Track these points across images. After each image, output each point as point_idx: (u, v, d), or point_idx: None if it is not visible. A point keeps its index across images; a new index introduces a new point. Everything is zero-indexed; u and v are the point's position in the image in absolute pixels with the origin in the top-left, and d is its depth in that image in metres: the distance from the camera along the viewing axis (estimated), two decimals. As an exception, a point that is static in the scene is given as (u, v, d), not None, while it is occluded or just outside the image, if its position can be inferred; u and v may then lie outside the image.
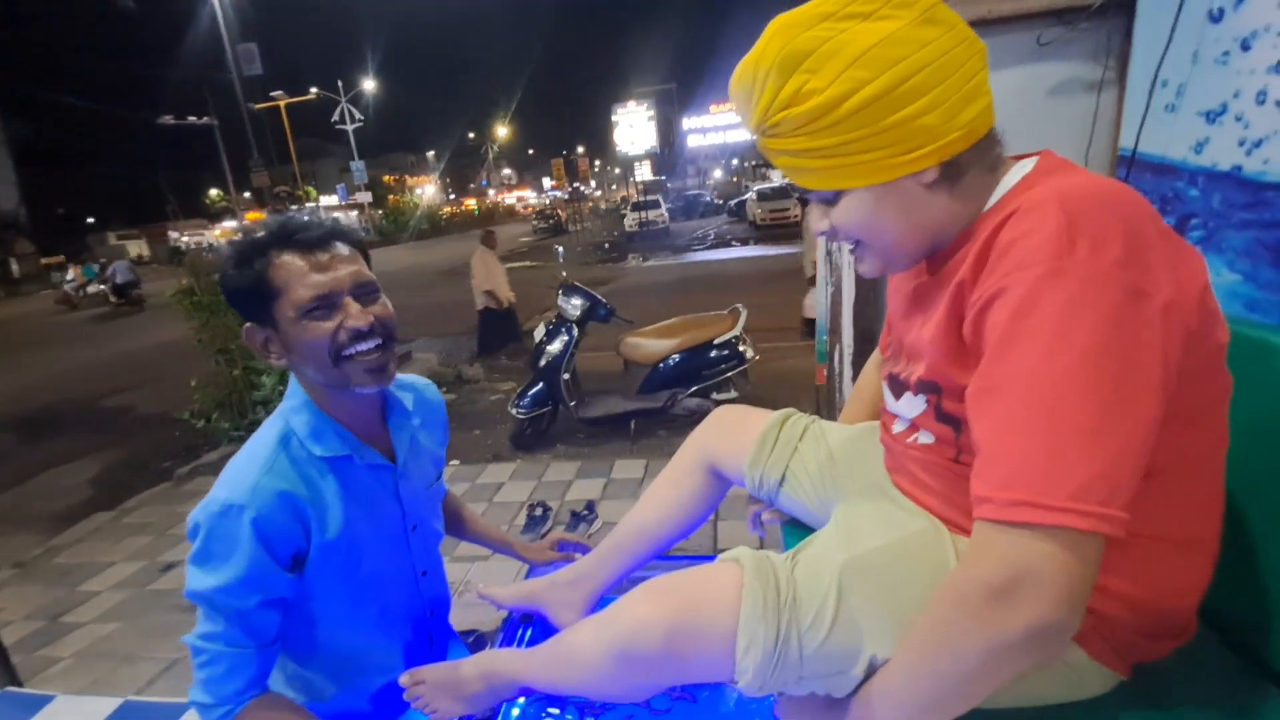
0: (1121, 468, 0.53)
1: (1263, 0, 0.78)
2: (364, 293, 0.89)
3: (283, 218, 0.87)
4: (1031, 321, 0.54)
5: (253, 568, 0.83)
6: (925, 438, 0.75)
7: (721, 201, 28.43)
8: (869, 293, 1.23)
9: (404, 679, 0.91)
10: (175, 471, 3.90)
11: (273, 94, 27.25)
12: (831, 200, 0.70)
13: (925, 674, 0.59)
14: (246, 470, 0.86)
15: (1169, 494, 0.61)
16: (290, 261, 0.84)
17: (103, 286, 16.08)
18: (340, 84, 29.83)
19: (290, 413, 0.92)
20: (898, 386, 0.78)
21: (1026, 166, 0.66)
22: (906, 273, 0.81)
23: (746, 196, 22.28)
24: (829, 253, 1.38)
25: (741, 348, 3.80)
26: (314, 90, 28.79)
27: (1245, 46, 0.80)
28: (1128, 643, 0.67)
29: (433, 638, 1.12)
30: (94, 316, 14.32)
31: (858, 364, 1.27)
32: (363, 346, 0.87)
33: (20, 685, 1.92)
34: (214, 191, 42.04)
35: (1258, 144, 0.89)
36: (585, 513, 2.75)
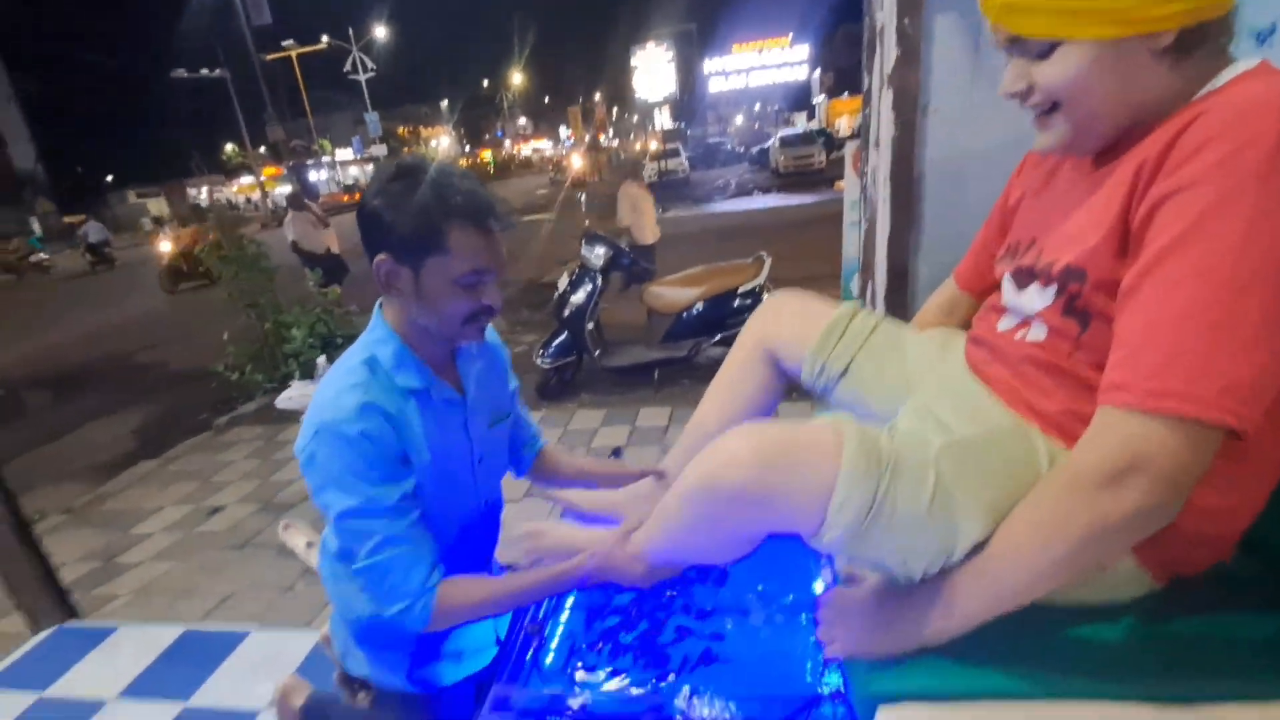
0: (1270, 375, 0.54)
1: None
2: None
3: (471, 191, 0.90)
4: (1222, 224, 0.54)
5: (381, 469, 0.89)
6: (1038, 333, 0.73)
7: (743, 149, 27.68)
8: (904, 228, 1.19)
9: (526, 527, 1.03)
10: (214, 422, 4.02)
11: (284, 43, 26.82)
12: (1044, 54, 0.65)
13: (1023, 556, 0.61)
14: (342, 392, 0.91)
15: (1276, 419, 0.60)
16: (471, 233, 0.88)
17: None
18: (351, 32, 29.23)
19: (375, 343, 0.96)
20: (1026, 277, 0.76)
21: (1244, 67, 0.62)
22: (1051, 159, 0.79)
23: (769, 143, 21.63)
24: (863, 189, 1.33)
25: (766, 296, 3.76)
26: (325, 39, 28.26)
27: None
28: (1178, 554, 0.68)
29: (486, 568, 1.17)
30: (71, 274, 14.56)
31: (891, 301, 1.24)
32: (486, 318, 0.95)
33: (80, 619, 2.04)
34: (230, 147, 41.96)
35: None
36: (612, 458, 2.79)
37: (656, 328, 3.91)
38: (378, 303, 1.00)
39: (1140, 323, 0.57)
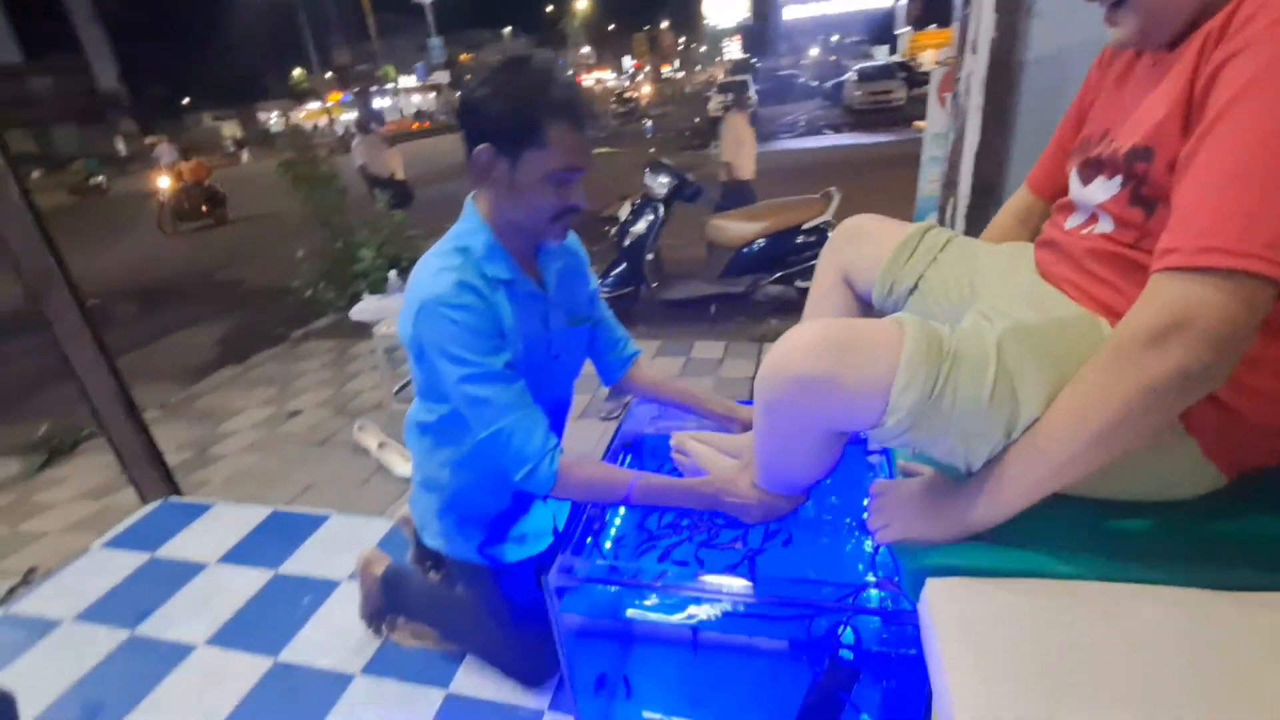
0: None
1: None
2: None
3: (571, 89, 0.93)
4: (1267, 82, 0.54)
5: (486, 339, 0.95)
6: (1104, 225, 0.73)
7: (816, 83, 26.22)
8: (995, 139, 1.14)
9: (677, 437, 1.08)
10: (290, 335, 4.26)
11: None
12: None
13: (1070, 425, 0.61)
14: (441, 271, 0.97)
15: None
16: (567, 131, 0.92)
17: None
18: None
19: (467, 234, 1.02)
20: (1093, 169, 0.76)
21: None
22: (1127, 54, 0.78)
23: (845, 77, 20.40)
24: (954, 98, 1.27)
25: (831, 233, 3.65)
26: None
27: None
28: (1243, 442, 0.68)
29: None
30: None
31: (973, 219, 1.20)
32: (571, 217, 1.00)
33: (181, 495, 2.26)
34: (297, 72, 42.43)
35: None
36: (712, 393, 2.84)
37: (716, 262, 3.87)
38: (470, 196, 1.05)
39: (1194, 187, 0.57)
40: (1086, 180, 0.77)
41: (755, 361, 3.02)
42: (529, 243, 1.06)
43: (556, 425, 1.20)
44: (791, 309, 3.64)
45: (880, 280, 0.96)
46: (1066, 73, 1.10)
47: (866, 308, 1.03)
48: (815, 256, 3.67)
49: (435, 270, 0.97)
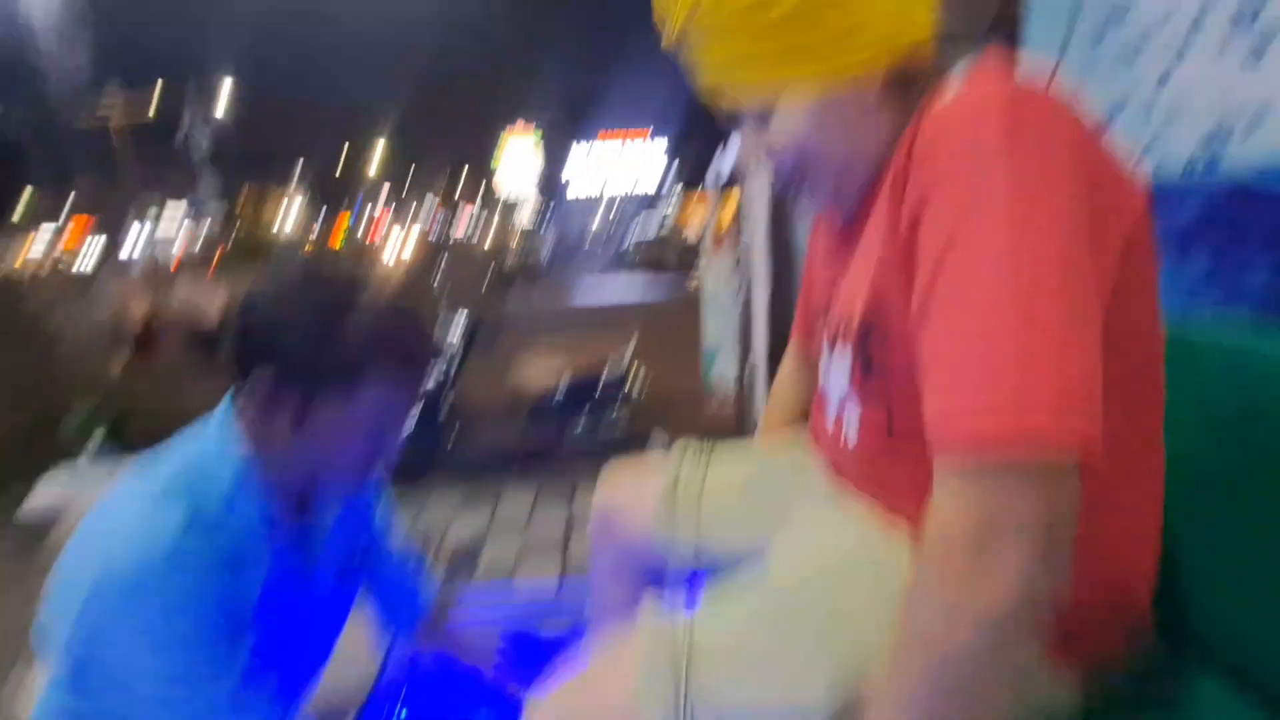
0: (1093, 377, 0.46)
1: (1144, 14, 0.84)
2: None
3: (409, 315, 0.75)
4: (983, 214, 0.47)
5: (213, 622, 0.69)
6: (852, 415, 0.67)
7: (603, 240, 28.97)
8: (780, 299, 1.18)
9: None
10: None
11: (105, 93, 24.35)
12: (765, 120, 0.64)
13: (915, 695, 0.47)
14: (150, 524, 0.67)
15: (1115, 464, 0.53)
16: (398, 372, 0.74)
17: None
18: (192, 81, 27.25)
19: (210, 461, 0.74)
20: (829, 348, 0.71)
21: (962, 73, 0.60)
22: (831, 222, 0.76)
23: (630, 229, 22.98)
24: (738, 261, 1.32)
25: (633, 374, 3.74)
26: (158, 89, 26.11)
27: (1134, 54, 0.86)
28: (1082, 633, 0.59)
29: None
30: None
31: (772, 374, 1.22)
32: (384, 462, 0.80)
33: None
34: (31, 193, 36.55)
35: (1145, 150, 0.95)
36: (464, 559, 2.51)
37: (519, 405, 3.73)
38: (226, 400, 0.76)
39: (938, 340, 0.49)
40: (826, 366, 0.72)
41: (567, 514, 2.83)
42: (309, 482, 0.79)
43: (307, 679, 0.89)
44: (602, 452, 3.57)
45: (660, 538, 0.86)
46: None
47: (648, 566, 0.91)
48: (619, 396, 3.71)
49: (142, 518, 0.66)
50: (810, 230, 0.88)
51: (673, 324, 6.01)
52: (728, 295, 3.34)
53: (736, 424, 3.53)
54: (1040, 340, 0.45)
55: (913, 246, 0.52)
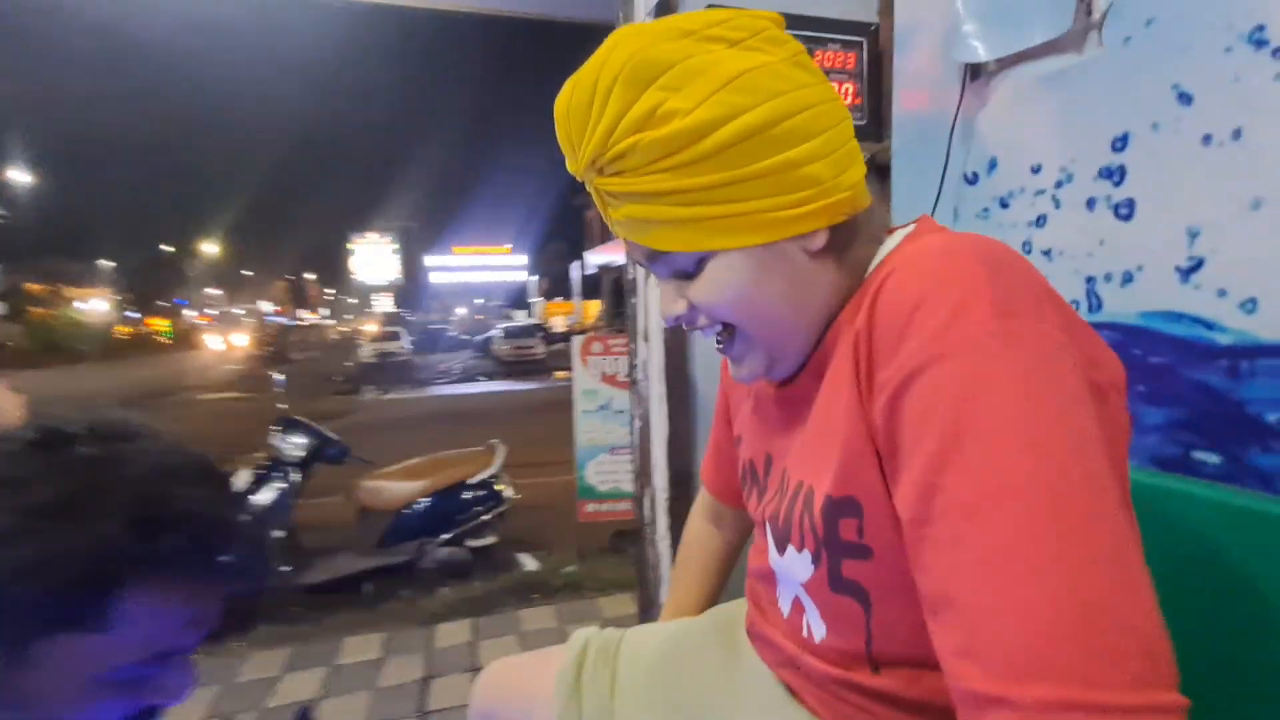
0: (1155, 606, 0.36)
1: (1012, 166, 0.92)
2: None
3: (206, 501, 0.51)
4: (991, 405, 0.39)
5: None
6: (816, 626, 0.55)
7: (467, 337, 28.47)
8: (681, 425, 1.12)
9: None
10: None
11: None
12: (691, 271, 0.54)
13: None
14: None
15: None
16: (169, 593, 0.50)
17: None
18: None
19: None
20: (776, 522, 0.58)
21: (905, 230, 0.57)
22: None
23: (491, 333, 22.80)
24: (634, 381, 1.25)
25: (499, 486, 3.50)
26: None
27: (1004, 205, 0.92)
28: None
29: None
30: None
31: (675, 512, 1.12)
32: None
33: None
34: None
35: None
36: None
37: (371, 529, 3.32)
38: None
39: (959, 579, 0.39)
40: (780, 546, 0.58)
41: (424, 655, 2.47)
42: None
43: None
44: (464, 573, 3.24)
45: None
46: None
47: None
48: (487, 510, 3.43)
49: None
50: (723, 365, 0.78)
51: (542, 426, 5.83)
52: (598, 399, 3.30)
53: (618, 543, 3.38)
54: (1096, 582, 0.36)
55: (895, 432, 0.44)
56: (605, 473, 3.32)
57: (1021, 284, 0.43)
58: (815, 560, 0.53)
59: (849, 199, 0.53)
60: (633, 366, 1.20)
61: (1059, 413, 0.39)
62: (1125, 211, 0.77)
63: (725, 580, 0.85)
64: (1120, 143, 0.76)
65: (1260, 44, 0.64)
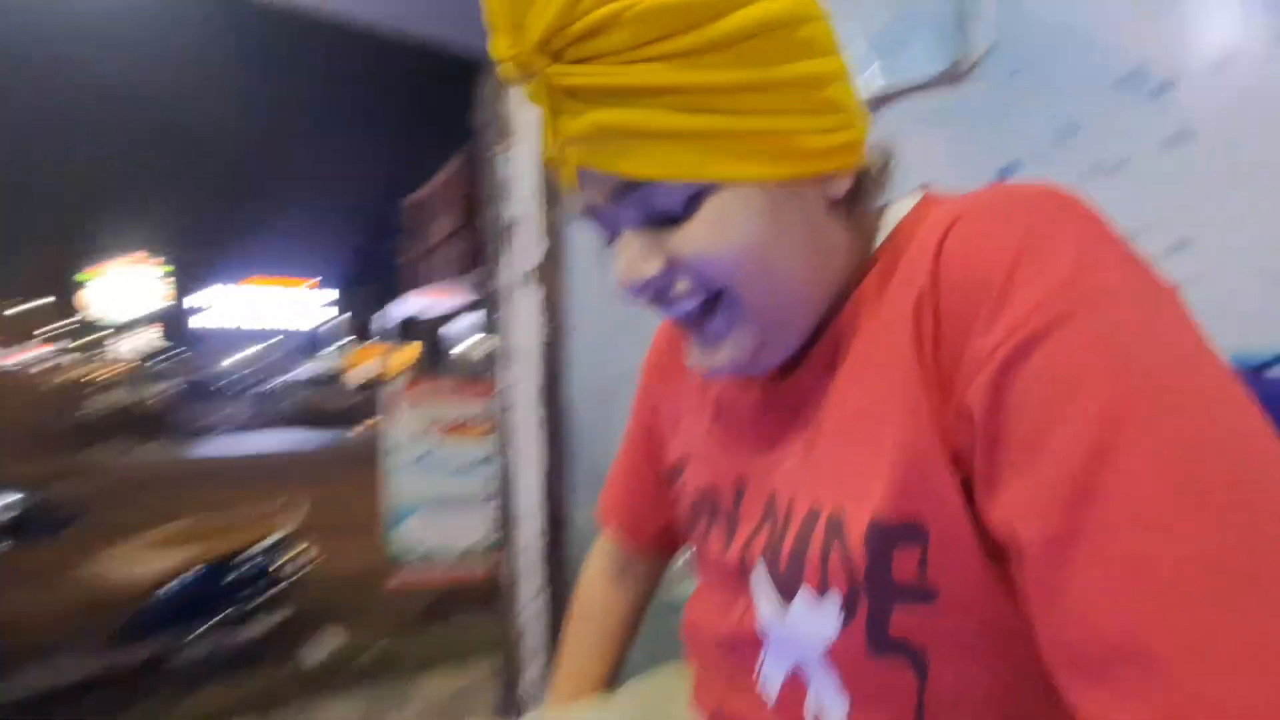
0: None
1: None
2: None
3: None
4: (1160, 370, 0.30)
5: None
6: (833, 706, 0.41)
7: (255, 381, 24.92)
8: (559, 460, 0.95)
9: None
10: None
11: None
12: (678, 214, 0.40)
13: None
14: None
15: None
16: None
17: None
18: None
19: None
20: (783, 572, 0.42)
21: (909, 200, 0.46)
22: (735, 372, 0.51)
23: (285, 378, 20.31)
24: (503, 410, 1.06)
25: (291, 553, 2.94)
26: None
27: None
28: None
29: None
30: None
31: (552, 558, 0.93)
32: None
33: None
34: None
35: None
36: None
37: (104, 621, 2.57)
38: None
39: (1160, 619, 0.27)
40: (784, 592, 0.43)
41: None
42: None
43: None
44: (229, 673, 2.60)
45: None
46: (620, 395, 1.00)
47: None
48: (267, 588, 2.86)
49: None
50: (645, 372, 0.66)
51: (338, 484, 5.18)
52: (418, 449, 2.96)
53: (440, 610, 2.98)
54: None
55: (1004, 421, 0.32)
56: (427, 531, 2.96)
57: (1112, 231, 0.35)
58: (849, 611, 0.39)
59: (867, 144, 0.44)
60: (499, 394, 1.00)
61: (1228, 374, 0.31)
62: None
63: (630, 649, 0.69)
64: (1007, 172, 0.79)
65: (1139, 82, 0.69)
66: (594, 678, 0.67)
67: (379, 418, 3.12)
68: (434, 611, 3.07)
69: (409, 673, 2.59)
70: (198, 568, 2.72)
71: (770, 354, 0.44)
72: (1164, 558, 0.27)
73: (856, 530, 0.38)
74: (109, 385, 15.53)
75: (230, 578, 2.78)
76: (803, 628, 0.41)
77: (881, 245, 0.44)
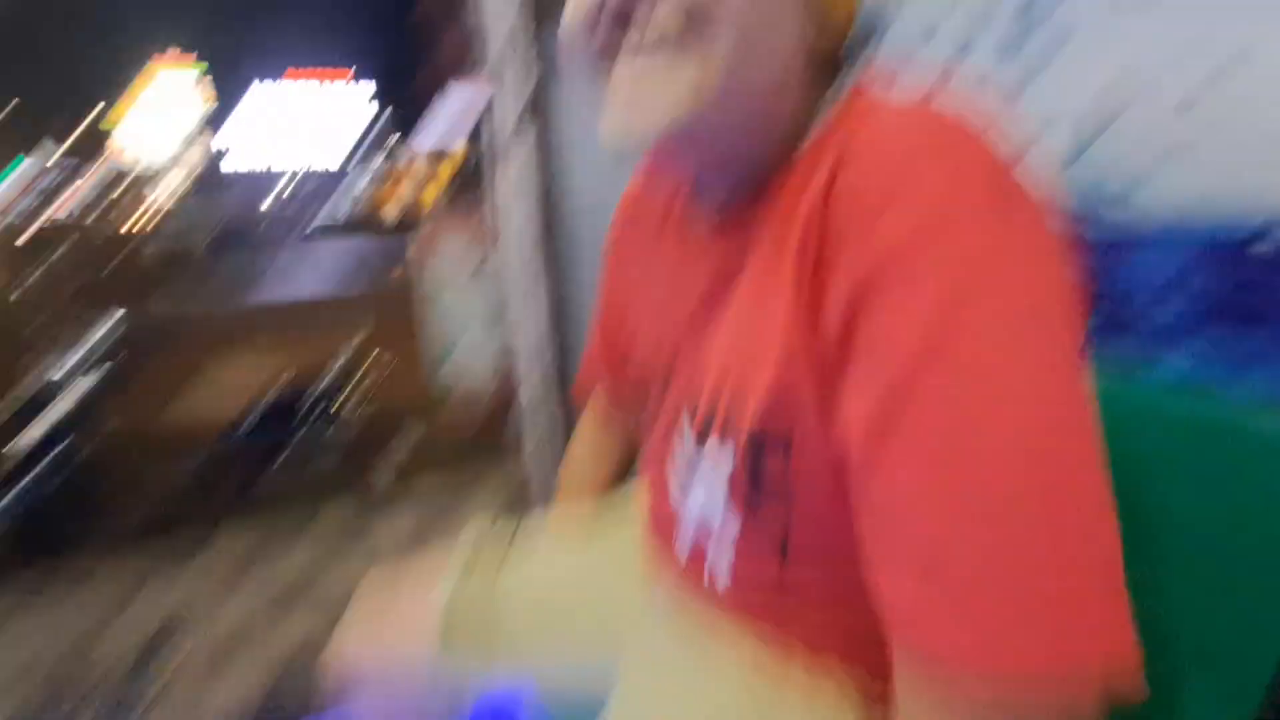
0: (1120, 568, 0.33)
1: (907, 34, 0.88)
2: None
3: None
4: (976, 318, 0.33)
5: None
6: (723, 547, 0.49)
7: (287, 221, 24.40)
8: (570, 292, 0.94)
9: None
10: None
11: None
12: None
13: None
14: None
15: None
16: None
17: None
18: None
19: None
20: (693, 437, 0.50)
21: (835, 101, 0.45)
22: (648, 214, 0.58)
23: (324, 219, 19.96)
24: (482, 260, 1.10)
25: (346, 384, 3.15)
26: None
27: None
28: None
29: None
30: None
31: (564, 421, 1.01)
32: None
33: None
34: None
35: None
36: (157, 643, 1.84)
37: (196, 444, 2.87)
38: None
39: (932, 514, 0.34)
40: (683, 467, 0.52)
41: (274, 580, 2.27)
42: None
43: None
44: (312, 492, 2.85)
45: (442, 664, 0.62)
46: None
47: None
48: (334, 419, 2.99)
49: None
50: (605, 249, 0.67)
51: (388, 318, 5.38)
52: (465, 277, 2.84)
53: (483, 440, 3.02)
54: (1077, 526, 0.32)
55: (850, 338, 0.37)
56: (484, 349, 2.88)
57: (1009, 181, 0.36)
58: (732, 481, 0.47)
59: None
60: (490, 216, 0.96)
61: (1048, 335, 0.34)
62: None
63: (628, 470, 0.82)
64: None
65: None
66: (596, 481, 0.79)
67: (417, 250, 3.03)
68: (481, 443, 3.22)
69: (458, 491, 2.74)
70: (269, 399, 2.99)
71: (703, 151, 0.45)
72: (953, 482, 0.33)
73: (747, 419, 0.44)
74: (153, 233, 15.56)
75: (298, 408, 3.05)
76: (701, 486, 0.50)
77: (815, 131, 0.44)
